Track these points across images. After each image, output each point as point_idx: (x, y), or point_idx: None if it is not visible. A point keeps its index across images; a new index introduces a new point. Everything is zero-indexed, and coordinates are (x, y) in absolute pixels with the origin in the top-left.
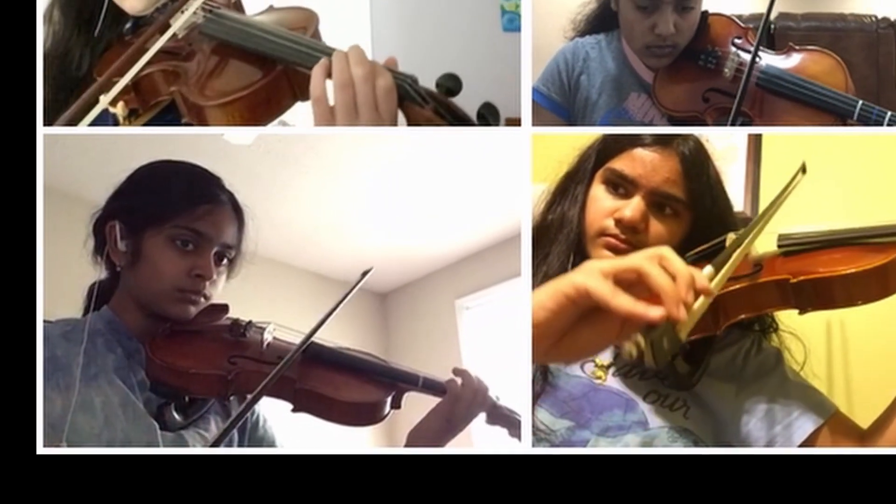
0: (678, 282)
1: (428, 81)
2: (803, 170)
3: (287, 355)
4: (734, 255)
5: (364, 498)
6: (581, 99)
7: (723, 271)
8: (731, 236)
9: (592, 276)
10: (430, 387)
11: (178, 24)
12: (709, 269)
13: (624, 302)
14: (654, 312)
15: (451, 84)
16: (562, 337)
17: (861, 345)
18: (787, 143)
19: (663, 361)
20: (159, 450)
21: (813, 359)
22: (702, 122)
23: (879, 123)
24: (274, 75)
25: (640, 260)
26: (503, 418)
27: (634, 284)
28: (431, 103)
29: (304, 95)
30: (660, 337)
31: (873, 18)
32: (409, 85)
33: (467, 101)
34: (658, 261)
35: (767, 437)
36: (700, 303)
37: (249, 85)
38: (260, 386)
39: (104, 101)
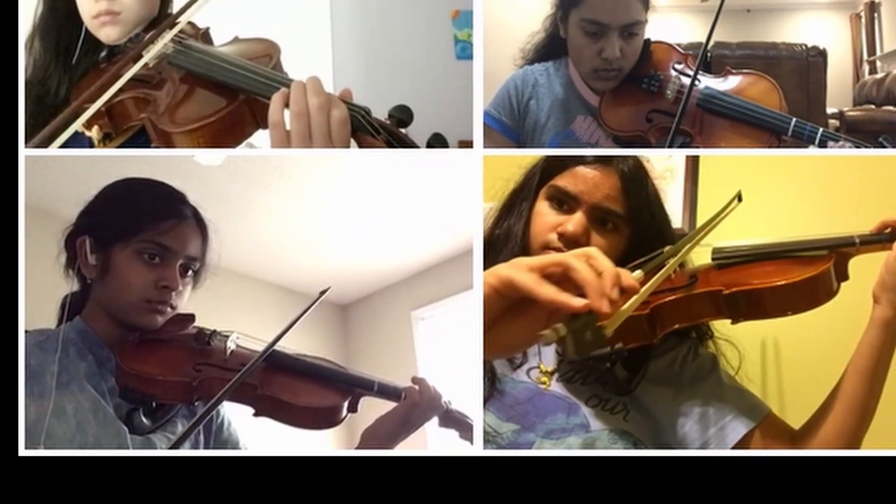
0: (603, 276)
1: (386, 105)
2: (739, 198)
3: (249, 363)
4: (666, 266)
5: (324, 497)
6: (530, 122)
7: (654, 279)
8: (668, 250)
9: (518, 269)
10: (384, 391)
11: (150, 55)
12: (638, 272)
13: (548, 290)
14: (577, 302)
15: (402, 115)
16: (489, 330)
17: (792, 352)
18: (722, 163)
19: (584, 353)
20: (129, 451)
21: (747, 364)
22: (645, 141)
23: (812, 140)
24: (237, 104)
25: (566, 255)
26: (455, 422)
27: (562, 281)
28: (383, 134)
29: (266, 123)
30: (582, 328)
31: (804, 47)
32: (363, 116)
33: (423, 124)
34: (585, 258)
35: (702, 438)
36: (629, 303)
37: (214, 113)
38: (221, 392)
39: (77, 124)
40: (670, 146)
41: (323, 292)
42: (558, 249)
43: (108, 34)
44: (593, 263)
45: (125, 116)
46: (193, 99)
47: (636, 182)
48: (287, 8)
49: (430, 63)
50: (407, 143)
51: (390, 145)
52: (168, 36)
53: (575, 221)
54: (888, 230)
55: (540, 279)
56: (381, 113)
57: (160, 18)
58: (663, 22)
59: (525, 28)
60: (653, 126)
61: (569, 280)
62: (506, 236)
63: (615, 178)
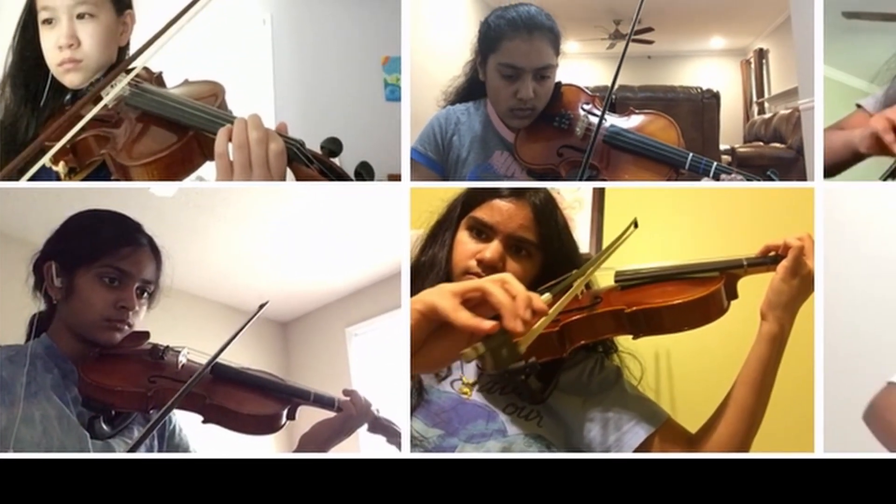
0: (517, 300)
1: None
2: (635, 224)
3: (198, 375)
4: (572, 288)
5: (264, 496)
6: (453, 156)
7: (561, 300)
8: (575, 273)
9: (440, 295)
10: (320, 401)
11: (109, 97)
12: (547, 295)
13: (463, 316)
14: (487, 324)
15: (333, 147)
16: (420, 349)
17: (687, 364)
18: (625, 194)
19: (503, 366)
20: (90, 455)
21: (648, 375)
22: (556, 174)
23: (707, 172)
24: (186, 139)
25: (484, 281)
26: (383, 428)
27: (481, 304)
28: (316, 164)
29: (212, 156)
30: (499, 346)
31: (699, 90)
32: (297, 148)
33: (356, 159)
34: (501, 283)
35: (607, 442)
36: (540, 323)
37: (166, 148)
38: (171, 399)
39: (45, 159)
40: (581, 179)
41: (262, 306)
42: (477, 274)
43: (71, 80)
44: (508, 288)
45: (88, 152)
46: (148, 135)
47: (547, 213)
48: (234, 56)
49: (363, 104)
50: (337, 171)
51: (322, 173)
52: (125, 80)
53: (492, 249)
54: (772, 253)
55: (458, 305)
56: (315, 146)
57: (118, 65)
58: (573, 66)
59: (447, 72)
60: (563, 160)
61: (487, 303)
62: (431, 263)
63: (528, 209)
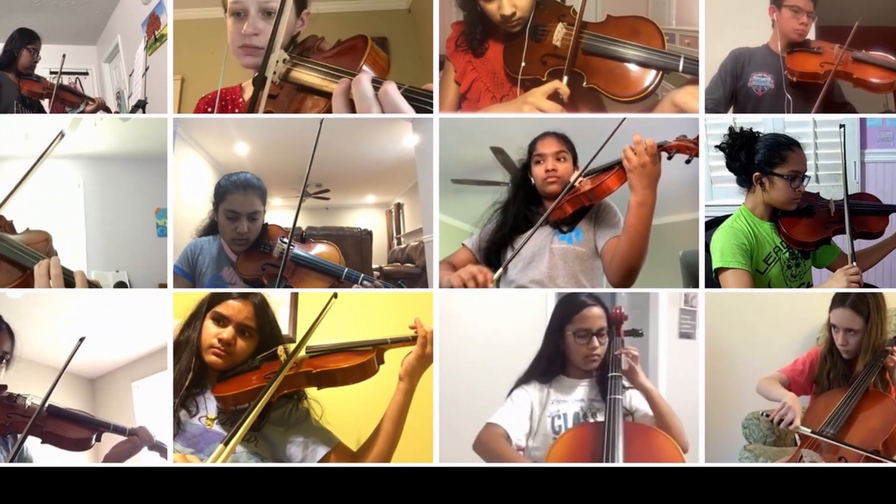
0: None
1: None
2: (335, 296)
3: (37, 411)
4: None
5: (81, 492)
6: (199, 270)
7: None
8: (280, 348)
9: None
10: (117, 430)
11: None
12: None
13: None
14: None
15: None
16: None
17: (353, 405)
18: (312, 298)
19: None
20: None
21: (327, 413)
22: (262, 283)
23: (357, 280)
24: (26, 275)
25: None
26: (157, 448)
27: None
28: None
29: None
30: None
31: (360, 229)
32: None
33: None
34: None
35: (301, 456)
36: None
37: (13, 280)
38: (25, 429)
39: None
40: (278, 287)
41: (81, 339)
42: (218, 348)
43: None
44: None
45: None
46: (1, 272)
47: (263, 309)
48: (59, 208)
49: (143, 239)
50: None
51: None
52: None
53: (228, 332)
54: (411, 334)
55: None
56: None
57: None
58: (277, 213)
59: (198, 217)
60: (265, 273)
61: None
62: (187, 341)
63: (251, 307)
